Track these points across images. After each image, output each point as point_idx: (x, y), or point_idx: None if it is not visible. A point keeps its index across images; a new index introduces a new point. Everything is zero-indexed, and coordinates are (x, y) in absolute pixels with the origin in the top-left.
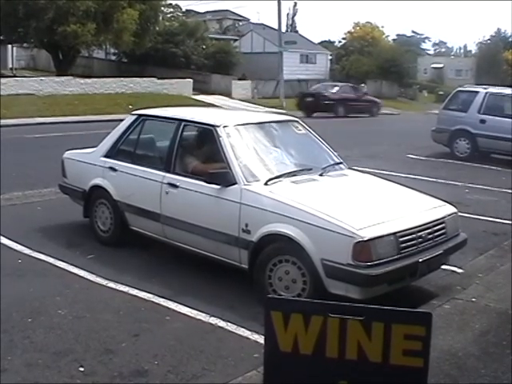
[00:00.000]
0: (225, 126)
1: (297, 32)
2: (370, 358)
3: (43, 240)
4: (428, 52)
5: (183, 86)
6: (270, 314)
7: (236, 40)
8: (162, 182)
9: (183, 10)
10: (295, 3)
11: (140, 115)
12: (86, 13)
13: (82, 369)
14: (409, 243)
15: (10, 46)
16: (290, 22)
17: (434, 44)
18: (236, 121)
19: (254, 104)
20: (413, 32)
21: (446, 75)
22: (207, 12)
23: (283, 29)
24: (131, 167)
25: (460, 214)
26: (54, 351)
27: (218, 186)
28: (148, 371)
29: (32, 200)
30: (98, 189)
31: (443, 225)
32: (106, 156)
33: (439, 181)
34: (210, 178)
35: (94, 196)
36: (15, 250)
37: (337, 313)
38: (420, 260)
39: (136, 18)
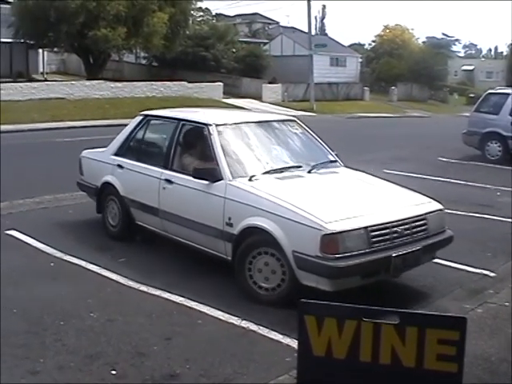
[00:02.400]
0: (217, 125)
1: (326, 35)
2: (404, 363)
3: (75, 243)
4: (458, 54)
5: (213, 89)
6: (303, 318)
7: (266, 43)
8: (160, 179)
9: (213, 13)
10: (324, 6)
11: (146, 115)
12: (117, 17)
13: (113, 372)
14: (381, 238)
15: (40, 50)
16: (320, 24)
17: (465, 46)
18: (229, 120)
19: (285, 107)
20: (443, 34)
21: (477, 77)
22: (237, 15)
23: (313, 32)
24: (136, 164)
25: (491, 217)
26: (86, 354)
27: (207, 182)
28: (180, 375)
29: (63, 203)
30: (108, 185)
31: (424, 221)
32: (116, 154)
33: (470, 184)
34: (196, 174)
35: (104, 192)
36: (47, 254)
37: (370, 317)
38: (394, 255)
39: (166, 22)
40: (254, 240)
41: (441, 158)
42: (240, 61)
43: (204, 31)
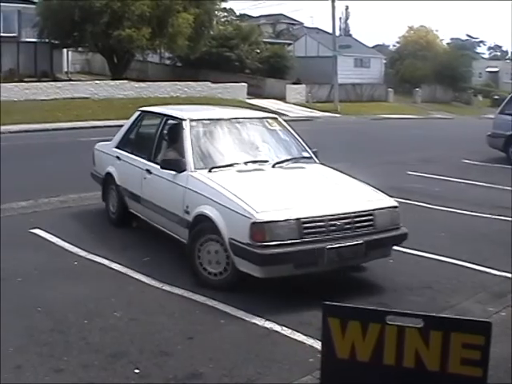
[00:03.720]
0: (191, 120)
1: (350, 36)
2: (428, 367)
3: (98, 242)
4: (483, 56)
5: (237, 90)
6: (327, 320)
7: (290, 44)
8: (143, 169)
9: (237, 14)
10: (347, 6)
11: (142, 111)
12: (141, 17)
13: (137, 371)
14: (314, 230)
15: (65, 50)
16: (344, 25)
17: (489, 48)
18: (205, 116)
19: (309, 108)
20: (468, 36)
21: (501, 79)
22: (261, 16)
23: (337, 32)
24: (129, 156)
25: None
26: (110, 353)
27: (174, 172)
28: (203, 374)
29: (87, 202)
30: (109, 175)
31: (370, 217)
32: (116, 147)
33: (495, 186)
34: (163, 164)
35: (107, 182)
36: (71, 252)
37: (395, 320)
38: (327, 247)
39: (191, 22)
40: (202, 227)
41: (465, 160)
42: (264, 61)
43: (228, 32)
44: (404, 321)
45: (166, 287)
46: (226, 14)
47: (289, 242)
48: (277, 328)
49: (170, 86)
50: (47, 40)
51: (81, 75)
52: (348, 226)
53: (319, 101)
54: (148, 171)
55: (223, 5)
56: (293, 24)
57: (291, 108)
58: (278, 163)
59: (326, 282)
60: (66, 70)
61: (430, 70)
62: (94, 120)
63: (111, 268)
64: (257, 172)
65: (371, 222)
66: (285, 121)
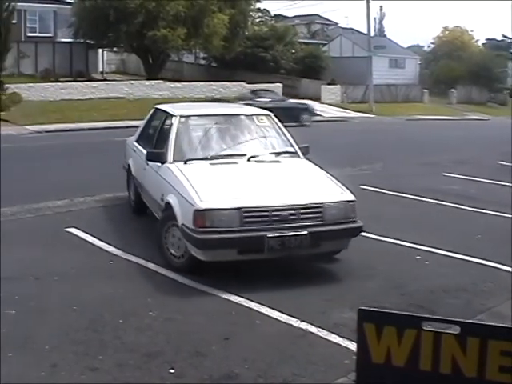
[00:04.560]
0: (181, 116)
1: (385, 36)
2: (465, 373)
3: (134, 241)
4: None
5: (272, 90)
6: (362, 325)
7: (325, 44)
8: (143, 161)
9: (272, 14)
10: (381, 7)
11: (156, 108)
12: (176, 17)
13: (172, 371)
14: (255, 219)
15: (100, 50)
16: (379, 25)
17: None
18: (197, 112)
19: (344, 108)
20: (503, 36)
21: None
22: (296, 16)
23: (372, 33)
24: (139, 149)
25: None
26: (145, 352)
27: (159, 164)
28: (238, 375)
29: (123, 201)
30: (129, 167)
31: (319, 209)
32: (136, 140)
33: None
34: (147, 156)
35: (128, 172)
36: (107, 251)
37: (431, 326)
38: (268, 235)
39: (226, 23)
40: (168, 213)
41: (501, 162)
42: (299, 62)
43: (263, 32)
44: (440, 327)
45: (203, 287)
46: (260, 14)
47: (229, 229)
48: (312, 329)
49: (205, 87)
50: (82, 40)
51: (116, 75)
52: (293, 217)
53: (354, 101)
54: (146, 163)
55: (258, 5)
56: (328, 24)
57: (326, 108)
58: (252, 157)
59: (360, 288)
60: (101, 69)
61: (465, 70)
62: (129, 120)
63: (147, 267)
64: (228, 165)
65: (319, 215)
66: (320, 121)
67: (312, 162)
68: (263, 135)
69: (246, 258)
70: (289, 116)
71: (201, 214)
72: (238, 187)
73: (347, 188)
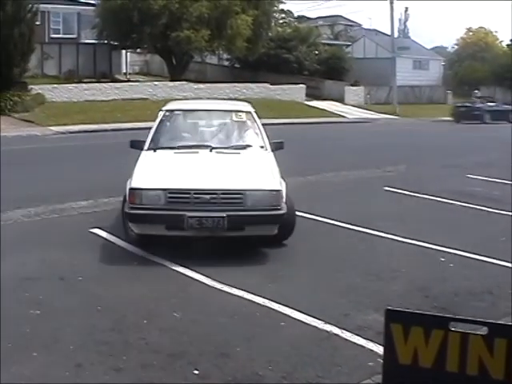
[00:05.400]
0: (166, 110)
1: (409, 37)
2: (492, 375)
3: (158, 242)
4: None
5: (296, 91)
6: (389, 325)
7: (348, 45)
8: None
9: (295, 15)
10: (406, 8)
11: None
12: (199, 18)
13: (196, 372)
14: (178, 199)
15: (123, 51)
16: (402, 27)
17: None
18: (182, 107)
19: (367, 110)
20: None
21: None
22: (319, 17)
23: (395, 34)
24: None
25: None
26: (169, 353)
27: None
28: (262, 376)
29: None
30: None
31: (239, 195)
32: None
33: None
34: (131, 144)
35: None
36: (131, 252)
37: (458, 327)
38: (188, 215)
39: (250, 24)
40: (124, 193)
41: None
42: (322, 63)
43: (286, 33)
44: (468, 327)
45: (226, 288)
46: (284, 15)
47: (154, 206)
48: (336, 331)
49: (228, 88)
50: (106, 41)
51: (139, 76)
52: (214, 201)
53: (378, 103)
54: None
55: (281, 6)
56: (351, 25)
57: (349, 110)
58: (214, 148)
59: (384, 290)
60: (124, 71)
61: (489, 72)
62: (152, 121)
63: (171, 268)
64: (190, 154)
65: (240, 200)
66: (343, 123)
67: (275, 156)
68: (234, 129)
69: (173, 233)
70: (503, 116)
71: (132, 192)
72: (175, 172)
73: (283, 180)
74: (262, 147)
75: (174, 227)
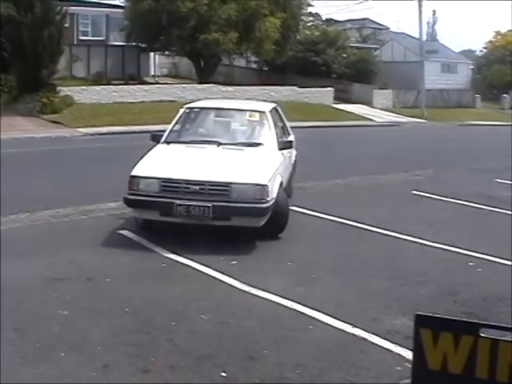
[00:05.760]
0: (187, 108)
1: (437, 41)
2: None
3: (186, 244)
4: None
5: (324, 94)
6: (419, 331)
7: (376, 49)
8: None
9: (323, 18)
10: (434, 11)
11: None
12: (228, 21)
13: (224, 374)
14: (170, 188)
15: (152, 53)
16: (431, 30)
17: None
18: (202, 105)
19: (395, 113)
20: None
21: None
22: (347, 20)
23: (424, 37)
24: None
25: None
26: (197, 355)
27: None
28: (290, 379)
29: None
30: None
31: (225, 187)
32: None
33: None
34: (150, 137)
35: None
36: (159, 254)
37: (488, 333)
38: (177, 203)
39: (278, 27)
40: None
41: None
42: (351, 66)
43: (314, 36)
44: (498, 334)
45: (254, 291)
46: (312, 18)
47: (148, 193)
48: (365, 335)
49: (256, 91)
50: (135, 43)
51: (168, 78)
52: (201, 191)
53: (406, 106)
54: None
55: (309, 9)
56: (379, 29)
57: (377, 113)
58: (221, 144)
59: (413, 294)
60: (153, 73)
61: None
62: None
63: (199, 270)
64: (198, 149)
65: (226, 192)
66: (371, 126)
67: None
68: (245, 128)
69: (166, 219)
70: None
71: (131, 180)
72: (173, 163)
73: (274, 177)
74: (268, 145)
75: (165, 213)
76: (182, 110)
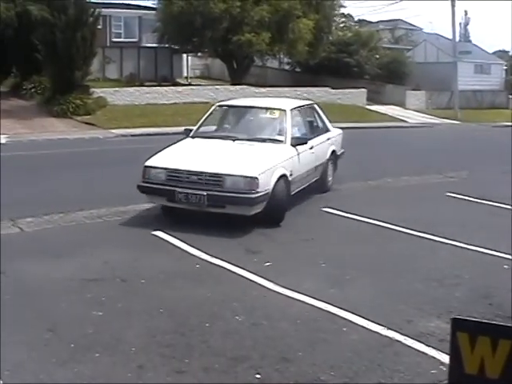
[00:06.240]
0: (218, 106)
1: (470, 41)
2: None
3: (221, 246)
4: None
5: (357, 95)
6: (456, 334)
7: (409, 50)
8: None
9: (356, 19)
10: (466, 12)
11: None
12: (260, 22)
13: (258, 376)
14: (174, 178)
15: (184, 55)
16: (463, 31)
17: None
18: (231, 103)
19: (428, 115)
20: None
21: None
22: (380, 21)
23: (456, 38)
24: None
25: None
26: (231, 356)
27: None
28: (324, 381)
29: None
30: None
31: (218, 178)
32: None
33: None
34: (184, 132)
35: None
36: (193, 255)
37: None
38: (178, 190)
39: (311, 28)
40: None
41: None
42: (383, 67)
43: (347, 37)
44: None
45: (288, 292)
46: (344, 19)
47: (156, 181)
48: (399, 338)
49: (289, 92)
50: (167, 45)
51: (200, 80)
52: (199, 181)
53: (439, 107)
54: None
55: (342, 10)
56: (412, 29)
57: (410, 114)
58: (237, 139)
59: (447, 297)
60: (185, 74)
61: None
62: (213, 124)
63: (233, 272)
64: (216, 142)
65: (220, 182)
66: (404, 127)
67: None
68: (264, 124)
69: (173, 205)
70: None
71: (144, 169)
72: (182, 155)
73: (272, 170)
74: (280, 141)
75: (170, 200)
76: (213, 108)
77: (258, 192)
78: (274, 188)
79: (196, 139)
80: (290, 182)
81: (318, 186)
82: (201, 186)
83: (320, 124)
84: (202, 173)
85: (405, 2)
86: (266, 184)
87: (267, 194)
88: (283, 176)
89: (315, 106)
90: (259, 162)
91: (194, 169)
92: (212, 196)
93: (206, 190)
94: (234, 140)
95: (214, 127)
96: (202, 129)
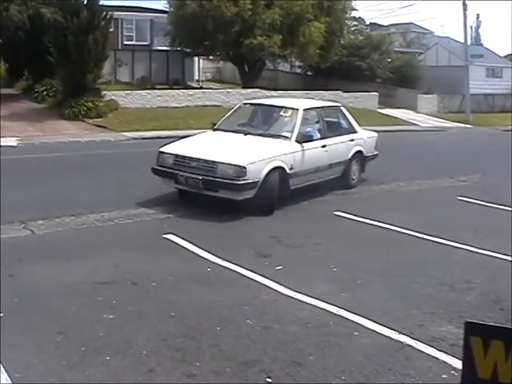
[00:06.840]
0: (243, 104)
1: (482, 45)
2: None
3: (232, 249)
4: None
5: (368, 99)
6: (469, 338)
7: (421, 53)
8: None
9: (367, 23)
10: (478, 15)
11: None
12: (272, 25)
13: (269, 380)
14: (179, 163)
15: (196, 58)
16: (475, 34)
17: None
18: (255, 102)
19: (440, 118)
20: None
21: None
22: (391, 25)
23: (468, 42)
24: None
25: None
26: (242, 360)
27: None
28: None
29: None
30: None
31: (212, 165)
32: None
33: None
34: (211, 126)
35: None
36: (204, 259)
37: None
38: (180, 174)
39: (323, 31)
40: None
41: None
42: (395, 71)
43: (359, 41)
44: None
45: (299, 296)
46: (356, 23)
47: (166, 165)
48: (410, 342)
49: (301, 95)
50: (179, 48)
51: (212, 83)
52: (198, 166)
53: (451, 111)
54: None
55: (354, 14)
56: (423, 33)
57: (422, 118)
58: (248, 134)
59: (458, 301)
60: (197, 77)
61: None
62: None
63: (244, 275)
64: (230, 135)
65: (213, 169)
66: (416, 131)
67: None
68: (275, 122)
69: (179, 187)
70: None
71: (158, 154)
72: (192, 144)
73: (265, 162)
74: (286, 137)
75: (176, 182)
76: (239, 104)
77: (245, 180)
78: (265, 178)
79: (216, 132)
80: (290, 175)
81: (340, 183)
82: (198, 170)
83: (345, 125)
84: (199, 159)
85: (416, 6)
86: (256, 173)
87: (256, 182)
88: (278, 168)
89: (342, 108)
90: (252, 153)
91: (193, 155)
92: (206, 180)
93: (202, 175)
94: (245, 134)
95: (233, 121)
96: (224, 123)
